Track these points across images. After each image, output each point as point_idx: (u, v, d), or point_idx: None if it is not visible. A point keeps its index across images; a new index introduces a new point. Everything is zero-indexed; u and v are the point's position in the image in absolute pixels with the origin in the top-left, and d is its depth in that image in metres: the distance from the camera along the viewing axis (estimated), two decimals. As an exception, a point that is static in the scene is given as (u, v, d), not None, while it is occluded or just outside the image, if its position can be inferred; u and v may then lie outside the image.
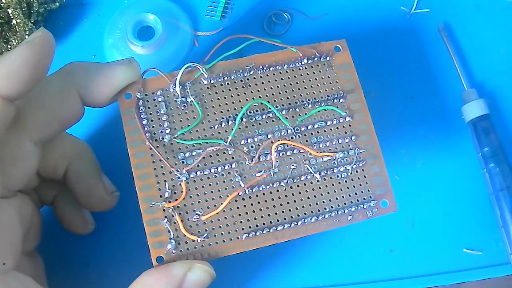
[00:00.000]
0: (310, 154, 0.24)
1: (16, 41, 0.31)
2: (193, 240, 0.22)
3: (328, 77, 0.25)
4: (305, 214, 0.23)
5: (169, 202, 0.22)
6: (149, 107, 0.23)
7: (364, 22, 0.33)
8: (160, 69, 0.30)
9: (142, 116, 0.23)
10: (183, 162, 0.23)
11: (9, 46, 0.31)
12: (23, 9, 0.31)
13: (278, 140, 0.23)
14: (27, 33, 0.31)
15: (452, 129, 0.31)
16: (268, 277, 0.28)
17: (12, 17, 0.31)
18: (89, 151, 0.26)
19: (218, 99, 0.24)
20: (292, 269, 0.28)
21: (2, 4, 0.31)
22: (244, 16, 0.33)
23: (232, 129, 0.23)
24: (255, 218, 0.23)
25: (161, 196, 0.22)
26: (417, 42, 0.32)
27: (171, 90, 0.24)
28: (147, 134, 0.23)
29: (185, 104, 0.23)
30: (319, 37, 0.33)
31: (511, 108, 0.31)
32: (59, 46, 0.33)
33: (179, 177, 0.22)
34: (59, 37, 0.33)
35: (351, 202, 0.24)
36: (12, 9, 0.31)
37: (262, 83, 0.24)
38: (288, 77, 0.25)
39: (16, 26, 0.31)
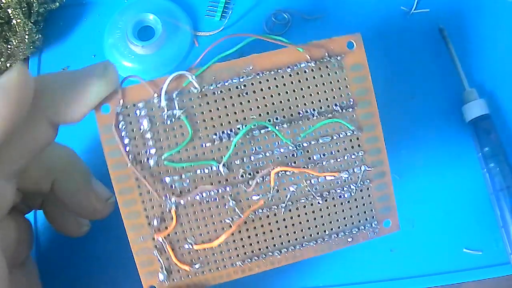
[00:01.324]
0: (312, 174, 0.21)
1: (16, 41, 0.31)
2: (186, 270, 0.21)
3: (338, 81, 0.22)
4: (303, 238, 0.22)
5: (159, 230, 0.20)
6: (130, 123, 0.20)
7: (364, 22, 0.33)
8: (160, 69, 0.29)
9: (123, 134, 0.20)
10: (171, 186, 0.20)
11: (9, 46, 0.31)
12: (23, 9, 0.31)
13: (278, 163, 0.21)
14: (27, 33, 0.31)
15: (452, 129, 0.31)
16: (268, 277, 0.28)
17: (12, 17, 0.31)
18: (76, 160, 0.23)
19: (210, 111, 0.20)
20: (292, 269, 0.28)
21: (2, 4, 0.31)
22: (244, 16, 0.33)
23: (227, 147, 0.21)
24: (251, 244, 0.21)
25: (149, 224, 0.20)
26: (417, 42, 0.32)
27: (156, 101, 0.20)
28: (130, 156, 0.20)
29: (172, 119, 0.20)
30: (319, 37, 0.33)
31: (511, 108, 0.31)
32: (59, 46, 0.33)
33: (168, 204, 0.20)
34: (59, 37, 0.33)
35: (353, 224, 0.22)
36: (12, 9, 0.31)
37: (261, 90, 0.21)
38: (292, 83, 0.21)
39: (16, 26, 0.31)
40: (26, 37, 0.31)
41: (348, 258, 0.29)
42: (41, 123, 0.19)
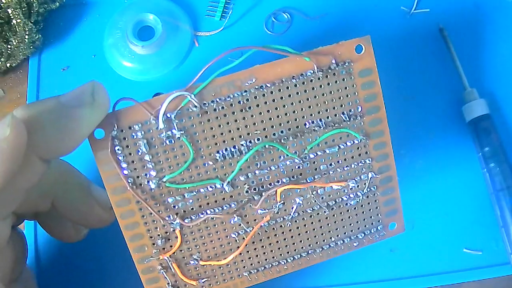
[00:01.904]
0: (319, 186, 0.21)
1: (16, 41, 0.31)
2: (193, 285, 0.21)
3: (346, 88, 0.20)
4: (309, 246, 0.22)
5: (163, 250, 0.20)
6: (127, 146, 0.19)
7: (364, 22, 0.33)
8: (160, 69, 0.29)
9: (120, 158, 0.19)
10: (174, 207, 0.20)
11: (9, 46, 0.31)
12: (23, 9, 0.31)
13: (283, 178, 0.20)
14: (27, 33, 0.31)
15: (452, 129, 0.31)
16: (268, 277, 0.28)
17: (12, 17, 0.31)
18: (72, 173, 0.22)
19: (212, 128, 0.19)
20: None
21: (2, 4, 0.31)
22: (244, 16, 0.33)
23: (230, 164, 0.20)
24: (257, 256, 0.21)
25: (153, 244, 0.20)
26: (417, 42, 0.32)
27: (153, 122, 0.19)
28: (129, 180, 0.19)
29: (172, 139, 0.19)
30: (319, 37, 0.33)
31: (511, 108, 0.31)
32: (59, 46, 0.33)
33: (171, 225, 0.20)
34: (59, 37, 0.33)
35: (358, 229, 0.22)
36: (12, 9, 0.31)
37: (265, 103, 0.20)
38: (297, 93, 0.20)
39: (16, 26, 0.31)
40: (26, 37, 0.31)
41: (348, 258, 0.28)
42: (33, 162, 0.18)
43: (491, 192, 0.29)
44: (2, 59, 0.31)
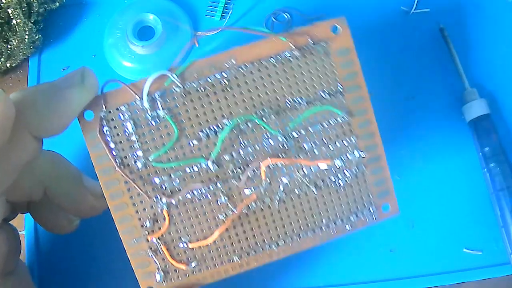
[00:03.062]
0: (304, 164, 0.21)
1: (16, 41, 0.31)
2: (183, 269, 0.21)
3: (325, 67, 0.21)
4: (300, 228, 0.21)
5: (152, 232, 0.20)
6: (115, 127, 0.20)
7: (364, 22, 0.33)
8: (160, 69, 0.29)
9: (108, 138, 0.20)
10: (161, 187, 0.20)
11: (9, 46, 0.31)
12: (23, 9, 0.31)
13: (268, 155, 0.21)
14: (27, 33, 0.31)
15: (452, 129, 0.31)
16: (267, 277, 0.28)
17: (12, 17, 0.31)
18: (64, 163, 0.23)
19: (195, 108, 0.20)
20: (292, 269, 0.28)
21: (2, 4, 0.31)
22: (244, 16, 0.33)
23: (215, 144, 0.20)
24: (247, 239, 0.21)
25: (142, 226, 0.20)
26: (417, 42, 0.32)
27: (138, 103, 0.20)
28: (117, 160, 0.20)
29: (157, 119, 0.20)
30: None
31: (511, 108, 0.31)
32: (59, 46, 0.33)
33: (159, 205, 0.20)
34: (59, 37, 0.33)
35: (350, 211, 0.22)
36: (12, 9, 0.31)
37: (246, 83, 0.20)
38: (277, 73, 0.21)
39: (16, 26, 0.31)
40: (26, 37, 0.31)
41: (348, 258, 0.29)
42: (25, 138, 0.18)
43: (491, 192, 0.29)
44: (2, 59, 0.31)
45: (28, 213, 0.25)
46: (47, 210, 0.24)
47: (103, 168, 0.20)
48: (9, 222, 0.24)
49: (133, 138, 0.20)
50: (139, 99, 0.20)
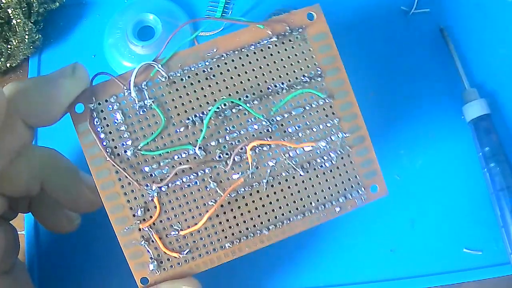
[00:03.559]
0: (290, 147, 0.21)
1: (16, 41, 0.31)
2: (176, 257, 0.21)
3: (303, 52, 0.22)
4: (290, 212, 0.22)
5: (144, 220, 0.21)
6: (104, 118, 0.20)
7: (364, 22, 0.33)
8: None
9: (98, 129, 0.20)
10: (151, 175, 0.21)
11: (9, 46, 0.31)
12: (23, 9, 0.31)
13: (253, 139, 0.21)
14: (27, 33, 0.31)
15: (452, 129, 0.31)
16: (267, 277, 0.28)
17: (12, 17, 0.31)
18: (60, 158, 0.23)
19: (181, 97, 0.21)
20: (292, 269, 0.28)
21: (2, 4, 0.31)
22: (244, 16, 0.33)
23: (201, 130, 0.21)
24: (237, 224, 0.21)
25: (134, 215, 0.21)
26: (417, 42, 0.32)
27: (126, 94, 0.21)
28: (107, 150, 0.20)
29: (144, 109, 0.21)
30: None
31: (511, 108, 0.31)
32: (59, 46, 0.33)
33: (149, 193, 0.21)
34: (59, 37, 0.33)
35: (339, 193, 0.22)
36: (12, 9, 0.31)
37: (228, 70, 0.21)
38: (257, 60, 0.21)
39: (16, 26, 0.31)
40: (26, 37, 0.31)
41: (348, 258, 0.29)
42: (17, 125, 0.19)
43: (491, 192, 0.29)
44: (2, 59, 0.31)
45: (29, 214, 0.25)
46: (47, 209, 0.24)
47: (94, 158, 0.20)
48: (9, 222, 0.24)
49: (123, 128, 0.21)
50: (127, 90, 0.21)
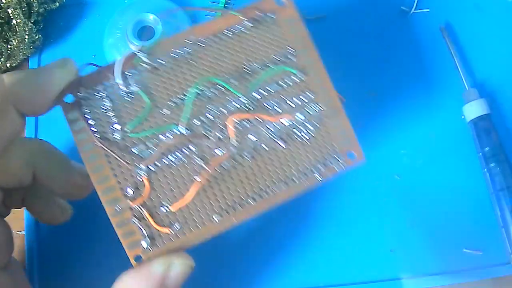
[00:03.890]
0: (269, 120, 0.23)
1: (16, 41, 0.31)
2: (167, 233, 0.22)
3: (275, 35, 0.24)
4: (274, 183, 0.22)
5: (134, 199, 0.21)
6: (93, 105, 0.22)
7: (364, 22, 0.33)
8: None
9: (87, 116, 0.22)
10: (139, 156, 0.22)
11: (9, 46, 0.31)
12: (23, 9, 0.31)
13: (233, 114, 0.22)
14: (27, 33, 0.31)
15: (452, 129, 0.31)
16: (267, 277, 0.28)
17: (12, 17, 0.31)
18: (50, 146, 0.25)
19: (164, 81, 0.22)
20: (292, 269, 0.28)
21: (2, 4, 0.31)
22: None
23: (185, 111, 0.22)
24: (224, 197, 0.22)
25: (125, 196, 0.21)
26: (417, 42, 0.32)
27: (113, 82, 0.22)
28: (96, 135, 0.21)
29: (130, 95, 0.22)
30: (319, 37, 0.33)
31: (511, 108, 0.31)
32: (59, 46, 0.33)
33: (138, 172, 0.22)
34: (59, 37, 0.33)
35: (318, 161, 0.23)
36: (12, 9, 0.31)
37: (207, 54, 0.23)
38: (233, 44, 0.23)
39: (16, 26, 0.31)
40: (26, 37, 0.31)
41: (348, 258, 0.29)
42: (11, 113, 0.20)
43: (491, 192, 0.29)
44: (2, 59, 0.31)
45: (28, 214, 0.25)
46: (40, 201, 0.25)
47: (84, 143, 0.21)
48: (4, 219, 0.24)
49: (110, 113, 0.22)
50: (113, 78, 0.22)
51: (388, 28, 0.33)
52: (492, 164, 0.29)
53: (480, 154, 0.30)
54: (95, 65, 0.22)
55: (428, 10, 0.33)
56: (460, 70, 0.31)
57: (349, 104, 0.31)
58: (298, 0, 0.33)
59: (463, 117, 0.31)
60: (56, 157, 0.24)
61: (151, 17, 0.31)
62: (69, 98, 0.22)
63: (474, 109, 0.30)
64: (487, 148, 0.29)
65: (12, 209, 0.25)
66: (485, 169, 0.29)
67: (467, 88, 0.31)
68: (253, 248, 0.28)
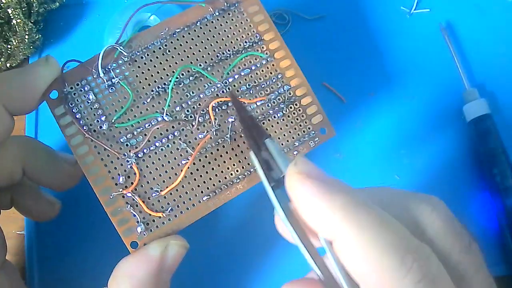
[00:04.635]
0: (244, 103, 0.24)
1: (16, 41, 0.31)
2: (160, 217, 0.22)
3: (242, 23, 0.25)
4: None
5: (126, 187, 0.22)
6: (78, 100, 0.23)
7: (364, 22, 0.33)
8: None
9: (74, 110, 0.23)
10: (127, 145, 0.23)
11: (9, 46, 0.31)
12: (23, 9, 0.31)
13: (212, 99, 0.24)
14: (27, 33, 0.31)
15: (452, 129, 0.31)
16: (267, 277, 0.28)
17: (12, 17, 0.31)
18: (36, 141, 0.25)
19: (143, 73, 0.24)
20: (292, 269, 0.28)
21: (2, 4, 0.31)
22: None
23: (166, 100, 0.23)
24: (210, 179, 0.23)
25: (116, 184, 0.22)
26: (417, 42, 0.32)
27: (95, 76, 0.23)
28: (84, 128, 0.22)
29: (113, 87, 0.23)
30: (319, 37, 0.33)
31: (511, 108, 0.31)
32: (59, 46, 0.33)
33: (128, 161, 0.23)
34: (59, 37, 0.33)
35: (293, 138, 0.25)
36: (12, 9, 0.31)
37: (181, 45, 0.24)
38: (204, 33, 0.25)
39: (16, 26, 0.31)
40: (26, 37, 0.31)
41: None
42: (0, 112, 0.21)
43: (491, 192, 0.29)
44: (2, 59, 0.31)
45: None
46: (29, 198, 0.26)
47: (73, 137, 0.22)
48: None
49: (96, 106, 0.23)
50: (95, 72, 0.23)
51: (388, 28, 0.33)
52: (492, 164, 0.29)
53: (480, 154, 0.30)
54: (77, 61, 0.23)
55: (428, 10, 0.33)
56: (460, 70, 0.31)
57: (349, 104, 0.31)
58: (298, 0, 0.33)
59: (463, 117, 0.31)
60: (42, 149, 0.25)
61: (151, 17, 0.31)
62: (54, 94, 0.23)
63: (474, 109, 0.30)
64: (487, 148, 0.29)
65: (12, 209, 0.25)
66: (485, 169, 0.29)
67: (467, 88, 0.31)
68: (252, 248, 0.28)
